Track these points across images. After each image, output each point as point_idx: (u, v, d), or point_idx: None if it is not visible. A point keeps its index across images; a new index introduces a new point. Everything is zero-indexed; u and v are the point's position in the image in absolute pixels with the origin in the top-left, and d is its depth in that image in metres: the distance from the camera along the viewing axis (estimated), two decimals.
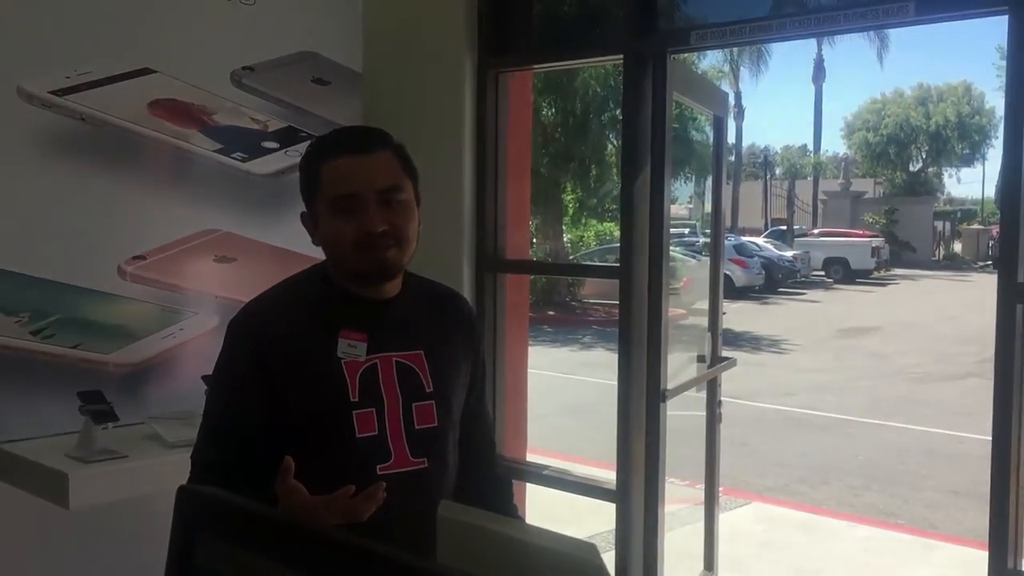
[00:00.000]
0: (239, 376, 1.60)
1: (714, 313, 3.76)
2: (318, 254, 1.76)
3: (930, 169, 44.05)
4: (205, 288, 2.82)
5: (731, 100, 33.05)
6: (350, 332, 1.61)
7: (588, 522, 4.84)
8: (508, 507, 1.86)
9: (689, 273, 15.55)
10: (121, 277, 2.64)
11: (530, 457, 3.60)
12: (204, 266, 2.83)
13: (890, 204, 37.54)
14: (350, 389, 1.60)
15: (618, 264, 3.03)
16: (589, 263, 17.37)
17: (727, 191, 4.22)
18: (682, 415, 3.60)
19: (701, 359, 3.62)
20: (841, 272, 28.63)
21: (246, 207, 2.88)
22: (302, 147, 2.93)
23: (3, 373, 2.42)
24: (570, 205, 19.29)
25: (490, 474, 1.87)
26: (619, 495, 2.99)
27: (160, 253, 2.72)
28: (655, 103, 2.93)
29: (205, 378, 2.65)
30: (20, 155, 2.44)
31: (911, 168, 43.30)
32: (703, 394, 3.74)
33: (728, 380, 4.00)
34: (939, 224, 38.50)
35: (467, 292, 3.26)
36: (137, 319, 2.68)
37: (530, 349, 3.77)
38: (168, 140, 2.72)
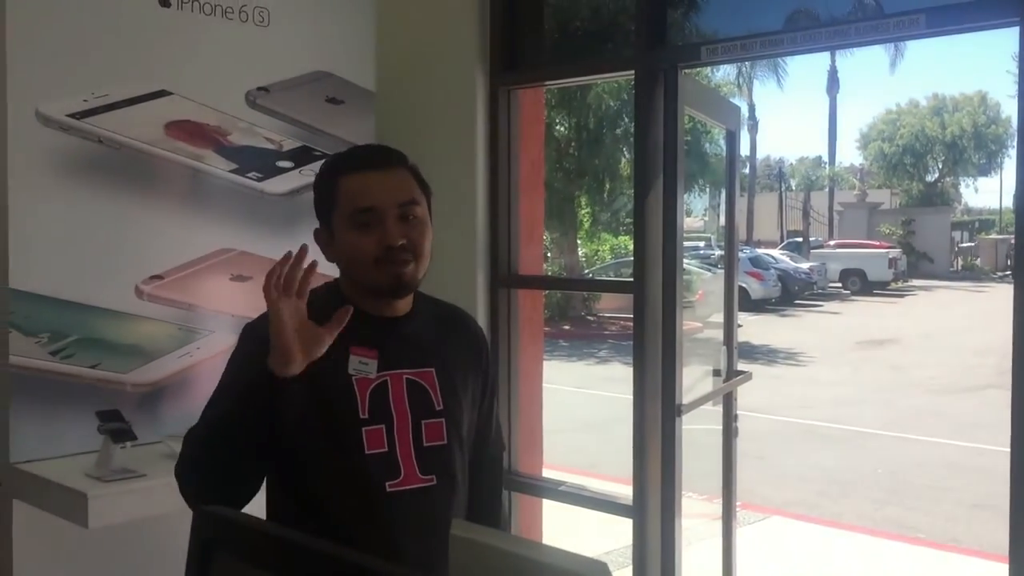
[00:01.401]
0: (253, 372, 1.55)
1: (729, 326, 3.76)
2: (332, 272, 1.77)
3: (947, 179, 43.86)
4: (221, 307, 2.84)
5: (744, 112, 33.01)
6: (361, 349, 1.62)
7: (604, 538, 4.82)
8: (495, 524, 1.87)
9: (704, 286, 15.54)
10: (138, 297, 2.66)
11: (546, 473, 3.60)
12: (220, 285, 2.85)
13: (907, 215, 37.37)
14: (360, 405, 1.61)
15: (632, 279, 3.04)
16: (603, 278, 17.34)
17: (741, 204, 4.22)
18: (698, 429, 3.59)
19: (717, 373, 3.61)
20: (858, 283, 28.50)
21: (261, 226, 2.90)
22: (316, 166, 2.95)
23: (23, 393, 2.45)
24: (584, 219, 19.31)
25: (489, 494, 1.88)
26: (635, 511, 2.99)
27: (177, 273, 2.74)
28: (667, 118, 2.94)
29: None
30: (39, 178, 2.47)
31: (927, 178, 43.12)
32: (719, 408, 3.73)
33: (745, 393, 3.99)
34: (956, 234, 38.29)
35: (481, 308, 3.27)
36: (154, 338, 2.70)
37: (546, 364, 3.78)
38: (184, 161, 2.75)
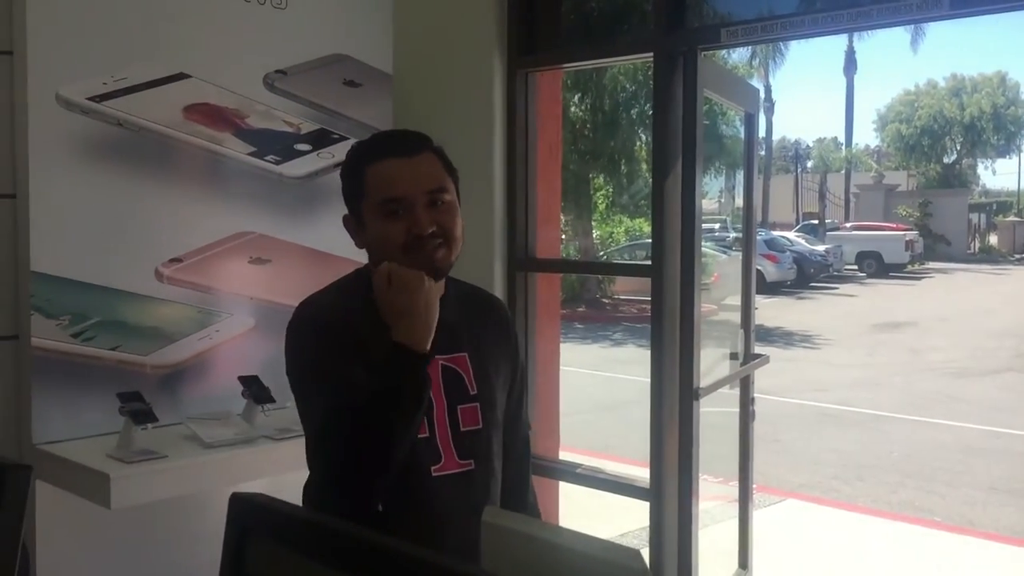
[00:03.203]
0: (336, 358, 1.56)
1: (746, 309, 3.75)
2: (352, 254, 1.77)
3: (964, 161, 43.50)
4: (240, 290, 2.85)
5: (761, 94, 32.84)
6: None
7: (620, 519, 4.84)
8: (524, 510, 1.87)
9: (720, 268, 15.46)
10: (158, 280, 2.67)
11: (562, 455, 3.61)
12: (239, 268, 2.86)
13: (924, 197, 37.09)
14: None
15: (649, 262, 3.03)
16: (620, 261, 17.31)
17: (757, 186, 4.20)
18: (715, 411, 3.59)
19: (734, 356, 3.61)
20: (874, 266, 28.35)
21: (279, 209, 2.91)
22: (335, 149, 2.98)
23: (45, 375, 2.47)
24: (600, 201, 19.25)
25: (521, 478, 1.88)
26: (653, 493, 2.99)
27: (196, 256, 2.75)
28: (685, 101, 2.92)
29: (244, 379, 2.69)
30: (59, 161, 2.48)
31: (945, 160, 42.77)
32: (736, 390, 3.72)
33: (760, 376, 3.98)
34: (974, 216, 38.00)
35: (499, 291, 3.27)
36: (174, 321, 2.71)
37: (561, 346, 3.78)
38: (203, 144, 2.75)
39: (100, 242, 2.56)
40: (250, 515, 0.69)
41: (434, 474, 1.63)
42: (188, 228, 2.74)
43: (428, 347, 1.54)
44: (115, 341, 2.59)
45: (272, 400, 2.65)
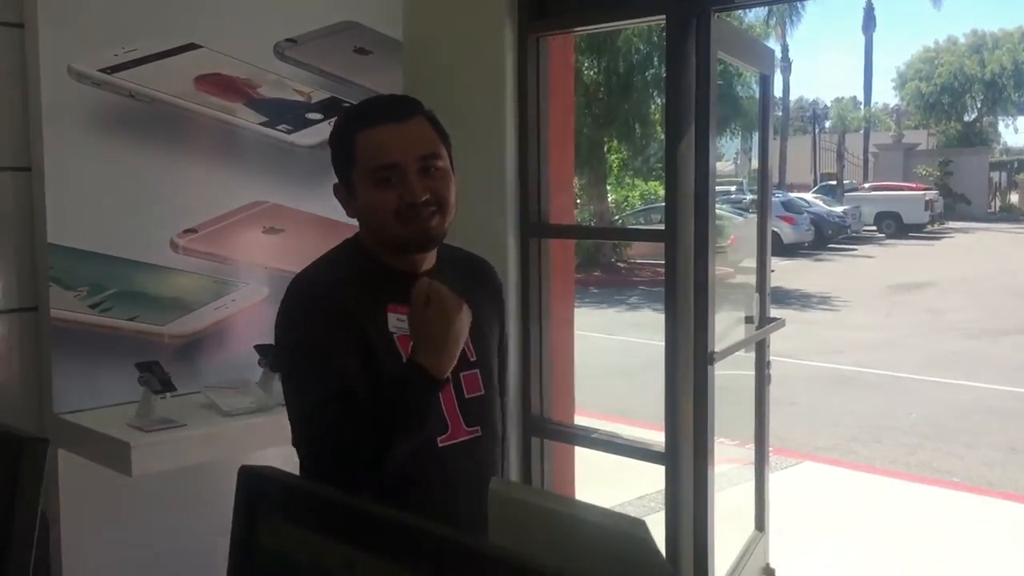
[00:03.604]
0: (328, 341, 1.54)
1: (762, 272, 3.74)
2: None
3: (985, 119, 42.90)
4: (255, 259, 2.86)
5: (777, 54, 32.34)
6: (397, 306, 1.60)
7: (636, 483, 4.87)
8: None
9: (736, 231, 15.37)
10: (173, 250, 2.69)
11: (578, 419, 3.63)
12: (253, 238, 2.87)
13: (944, 156, 36.69)
14: None
15: (663, 227, 3.02)
16: (634, 226, 17.23)
17: (773, 147, 4.17)
18: (730, 374, 3.59)
19: (749, 320, 3.61)
20: (893, 227, 28.13)
21: (292, 178, 2.92)
22: None
23: (64, 346, 2.50)
24: (614, 165, 19.14)
25: (504, 441, 1.87)
26: (668, 457, 3.01)
27: (210, 226, 2.76)
28: (699, 63, 2.90)
29: (261, 348, 2.71)
30: (73, 134, 2.50)
31: (966, 118, 42.19)
32: (751, 353, 3.72)
33: (777, 339, 3.98)
34: (995, 175, 37.58)
35: (512, 258, 3.27)
36: (190, 291, 2.73)
37: (576, 311, 3.79)
38: (215, 114, 2.75)
39: (116, 213, 2.57)
40: (258, 488, 0.70)
41: (440, 444, 1.63)
42: (202, 199, 2.75)
43: (448, 375, 1.53)
44: (133, 311, 2.62)
45: None
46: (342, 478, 1.46)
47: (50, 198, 2.46)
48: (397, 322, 1.60)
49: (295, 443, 1.60)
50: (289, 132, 2.90)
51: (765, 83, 3.82)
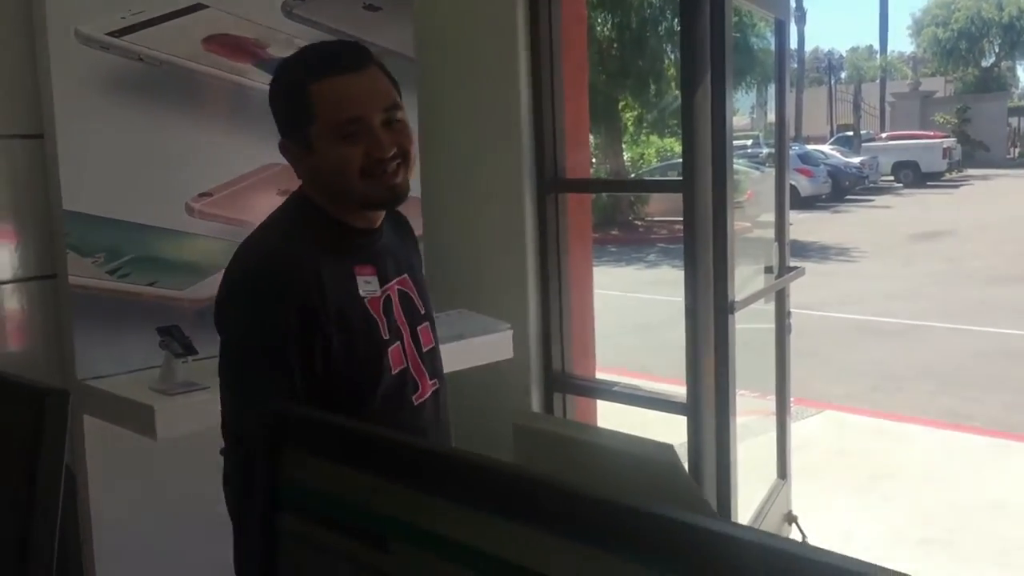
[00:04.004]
0: (284, 332, 1.46)
1: (780, 223, 3.71)
2: None
3: (1003, 64, 42.30)
4: None
5: (792, 4, 31.95)
6: (362, 267, 1.55)
7: (658, 436, 4.87)
8: None
9: (753, 185, 15.26)
10: (189, 215, 2.69)
11: (599, 375, 3.63)
12: (268, 200, 2.83)
13: (961, 103, 36.21)
14: (381, 327, 1.55)
15: (681, 178, 2.99)
16: (651, 179, 17.17)
17: (790, 99, 4.10)
18: (751, 328, 3.58)
19: (768, 270, 3.59)
20: (911, 176, 27.87)
21: None
22: None
23: (85, 313, 2.50)
24: (629, 122, 19.01)
25: None
26: (690, 408, 3.01)
27: (225, 189, 2.75)
28: (713, 11, 2.85)
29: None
30: (83, 99, 2.48)
31: (983, 64, 41.60)
32: (771, 307, 3.71)
33: (796, 291, 3.95)
34: (1014, 121, 37.09)
35: (529, 213, 3.26)
36: (207, 255, 2.73)
37: (595, 270, 3.77)
38: (224, 76, 2.73)
39: (130, 179, 2.57)
40: (280, 424, 0.69)
41: (415, 402, 1.61)
42: (215, 162, 2.74)
43: None
44: (151, 277, 2.62)
45: None
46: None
47: (63, 164, 2.45)
48: (365, 284, 1.55)
49: (226, 449, 1.57)
50: None
51: (781, 29, 3.76)
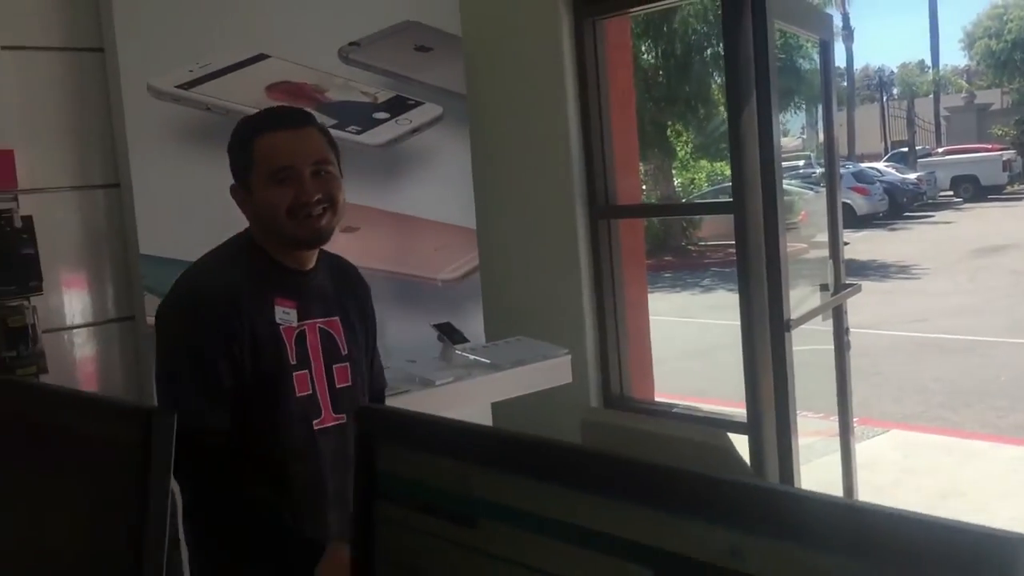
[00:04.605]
0: (213, 347, 1.67)
1: (834, 240, 3.71)
2: (439, 215, 1.84)
3: None
4: None
5: (838, 22, 31.67)
6: (283, 300, 1.75)
7: None
8: None
9: (807, 206, 15.14)
10: None
11: (657, 398, 3.66)
12: (332, 238, 2.96)
13: (1020, 114, 35.46)
14: (289, 352, 1.74)
15: (731, 199, 3.03)
16: (701, 201, 17.12)
17: (839, 117, 4.09)
18: (811, 349, 3.57)
19: (824, 288, 3.59)
20: (971, 190, 27.30)
21: (363, 178, 3.00)
22: (411, 115, 3.05)
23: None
24: (679, 148, 19.01)
25: None
26: (751, 426, 3.02)
27: None
28: (756, 34, 2.90)
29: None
30: (156, 149, 2.62)
31: None
32: (830, 325, 3.70)
33: (856, 311, 3.94)
34: None
35: (581, 239, 3.32)
36: None
37: (649, 295, 3.81)
38: None
39: (201, 222, 2.66)
40: (376, 422, 0.77)
41: (315, 427, 1.77)
42: None
43: None
44: None
45: None
46: (202, 479, 1.63)
47: (139, 211, 2.58)
48: (283, 314, 1.75)
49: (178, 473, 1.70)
50: (358, 133, 2.99)
51: (825, 49, 3.79)
